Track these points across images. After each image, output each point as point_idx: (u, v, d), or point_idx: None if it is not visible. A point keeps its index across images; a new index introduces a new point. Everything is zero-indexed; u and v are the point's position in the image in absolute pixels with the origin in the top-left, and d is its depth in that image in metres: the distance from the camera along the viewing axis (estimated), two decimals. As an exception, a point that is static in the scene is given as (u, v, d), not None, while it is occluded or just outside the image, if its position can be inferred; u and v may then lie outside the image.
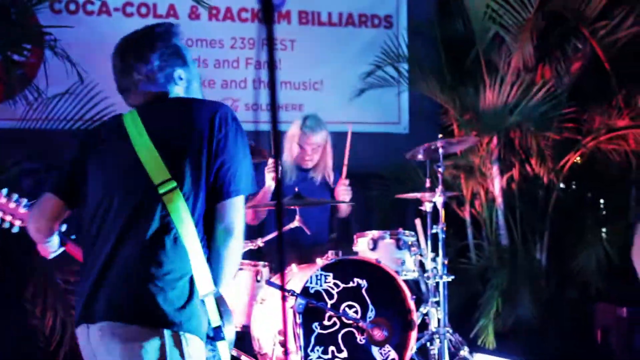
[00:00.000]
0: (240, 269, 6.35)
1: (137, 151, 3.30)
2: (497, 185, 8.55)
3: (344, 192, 6.96)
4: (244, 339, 6.41)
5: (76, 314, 3.33)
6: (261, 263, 6.48)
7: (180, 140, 3.29)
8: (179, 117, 3.37)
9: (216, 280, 3.23)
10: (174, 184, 3.23)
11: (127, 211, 3.26)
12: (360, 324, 5.92)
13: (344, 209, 7.21)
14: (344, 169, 7.03)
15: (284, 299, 3.87)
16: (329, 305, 5.89)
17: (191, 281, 3.21)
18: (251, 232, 7.86)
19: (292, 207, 6.36)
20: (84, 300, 3.26)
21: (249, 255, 6.79)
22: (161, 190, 3.24)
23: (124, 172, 3.33)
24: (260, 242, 6.31)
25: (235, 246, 3.29)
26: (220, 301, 3.24)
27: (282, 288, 5.62)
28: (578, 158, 8.69)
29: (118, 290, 3.21)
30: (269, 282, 6.04)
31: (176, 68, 3.45)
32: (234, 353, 6.06)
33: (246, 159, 3.37)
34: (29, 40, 7.07)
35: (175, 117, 3.38)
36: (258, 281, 6.38)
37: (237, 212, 3.30)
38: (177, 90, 3.47)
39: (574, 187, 9.27)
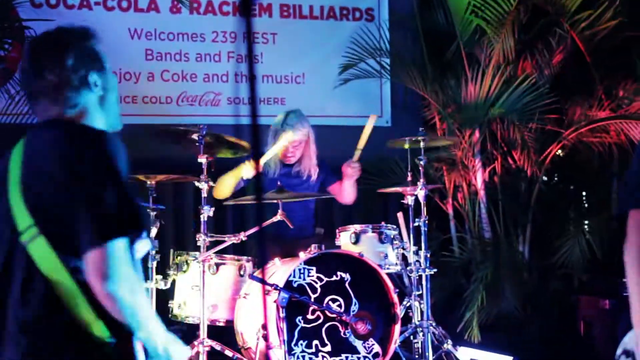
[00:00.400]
0: (224, 264, 6.37)
1: (10, 192, 2.95)
2: (479, 178, 8.57)
3: (352, 172, 6.98)
4: (227, 334, 6.41)
5: None
6: (244, 257, 6.48)
7: (46, 178, 2.91)
8: (51, 149, 2.96)
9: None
10: (34, 230, 2.86)
11: (1, 268, 2.96)
12: (344, 317, 5.93)
13: (350, 195, 7.18)
14: (357, 153, 7.02)
15: (265, 293, 3.82)
16: (312, 299, 5.90)
17: (73, 334, 2.87)
18: (234, 227, 7.88)
19: (275, 201, 6.35)
20: None
21: (233, 249, 6.80)
22: (24, 238, 2.89)
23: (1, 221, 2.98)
24: (242, 236, 6.28)
25: (122, 296, 2.83)
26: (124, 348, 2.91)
27: (263, 282, 5.61)
28: (560, 150, 8.72)
29: None
30: (252, 277, 6.05)
31: (92, 72, 3.09)
32: (218, 347, 6.07)
33: (114, 202, 2.86)
34: (9, 34, 7.04)
35: (48, 148, 2.97)
36: (241, 276, 6.39)
37: (112, 260, 2.82)
38: (91, 98, 3.09)
39: (556, 179, 9.30)
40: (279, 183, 6.44)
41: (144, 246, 2.99)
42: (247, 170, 6.77)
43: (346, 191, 7.13)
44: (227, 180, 6.85)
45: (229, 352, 6.10)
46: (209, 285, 6.15)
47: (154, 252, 6.27)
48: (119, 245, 2.84)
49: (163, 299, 6.49)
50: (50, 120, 3.06)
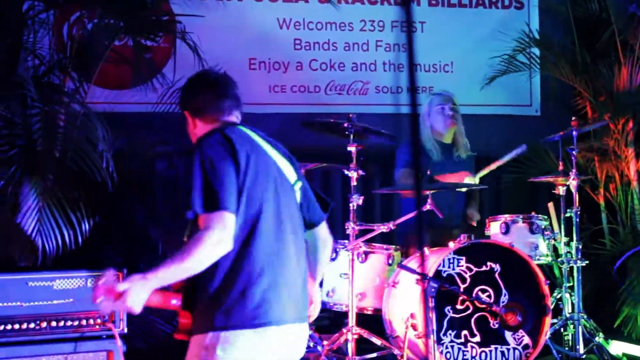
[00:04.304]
0: (372, 252, 6.37)
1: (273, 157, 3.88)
2: (632, 168, 8.33)
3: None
4: (376, 322, 6.42)
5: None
6: (393, 246, 6.48)
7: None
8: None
9: None
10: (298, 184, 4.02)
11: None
12: (494, 308, 5.88)
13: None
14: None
15: (423, 281, 3.93)
16: (461, 289, 5.86)
17: None
18: (384, 215, 7.89)
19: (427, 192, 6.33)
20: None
21: (381, 238, 6.80)
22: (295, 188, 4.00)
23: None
24: (392, 225, 6.28)
25: None
26: None
27: (420, 274, 5.61)
28: None
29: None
30: (401, 266, 6.04)
31: None
32: (366, 335, 6.08)
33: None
34: (161, 27, 7.19)
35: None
36: (390, 264, 6.38)
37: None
38: None
39: None
40: (428, 172, 6.43)
41: None
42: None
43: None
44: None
45: (376, 340, 6.11)
46: (357, 274, 6.18)
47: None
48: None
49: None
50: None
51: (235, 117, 3.96)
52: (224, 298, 3.49)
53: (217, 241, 3.38)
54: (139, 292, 3.27)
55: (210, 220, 3.41)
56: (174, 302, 3.68)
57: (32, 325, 5.03)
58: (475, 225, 7.07)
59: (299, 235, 3.79)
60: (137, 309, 3.30)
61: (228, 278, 3.50)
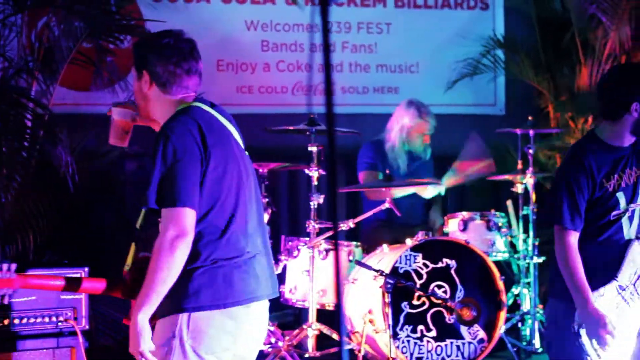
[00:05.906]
0: (333, 249, 6.48)
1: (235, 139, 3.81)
2: (592, 166, 8.46)
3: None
4: (336, 318, 6.54)
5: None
6: (354, 243, 6.60)
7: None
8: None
9: None
10: None
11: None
12: (449, 303, 6.02)
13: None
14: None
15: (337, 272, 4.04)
16: (418, 285, 6.00)
17: None
18: (350, 214, 8.01)
19: (383, 190, 6.47)
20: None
21: (343, 235, 6.93)
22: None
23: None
24: (351, 223, 6.42)
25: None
26: None
27: (365, 265, 5.72)
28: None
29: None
30: (358, 262, 6.17)
31: None
32: (327, 331, 6.21)
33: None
34: (126, 30, 7.28)
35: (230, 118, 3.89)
36: (350, 261, 6.50)
37: None
38: None
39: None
40: (387, 171, 6.55)
41: None
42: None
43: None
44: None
45: (336, 336, 6.22)
46: (318, 270, 6.31)
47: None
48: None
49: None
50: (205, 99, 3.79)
51: (194, 93, 3.74)
52: (190, 280, 3.45)
53: (174, 239, 3.34)
54: (145, 331, 3.37)
55: (167, 217, 3.39)
56: None
57: (-6, 323, 5.12)
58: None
59: (261, 214, 3.75)
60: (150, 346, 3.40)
61: (194, 260, 3.46)
